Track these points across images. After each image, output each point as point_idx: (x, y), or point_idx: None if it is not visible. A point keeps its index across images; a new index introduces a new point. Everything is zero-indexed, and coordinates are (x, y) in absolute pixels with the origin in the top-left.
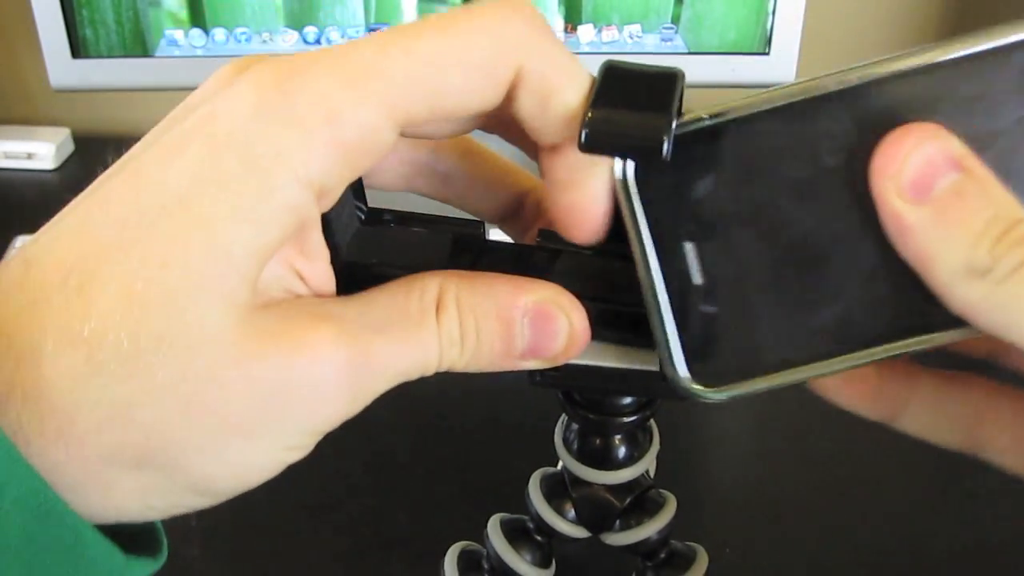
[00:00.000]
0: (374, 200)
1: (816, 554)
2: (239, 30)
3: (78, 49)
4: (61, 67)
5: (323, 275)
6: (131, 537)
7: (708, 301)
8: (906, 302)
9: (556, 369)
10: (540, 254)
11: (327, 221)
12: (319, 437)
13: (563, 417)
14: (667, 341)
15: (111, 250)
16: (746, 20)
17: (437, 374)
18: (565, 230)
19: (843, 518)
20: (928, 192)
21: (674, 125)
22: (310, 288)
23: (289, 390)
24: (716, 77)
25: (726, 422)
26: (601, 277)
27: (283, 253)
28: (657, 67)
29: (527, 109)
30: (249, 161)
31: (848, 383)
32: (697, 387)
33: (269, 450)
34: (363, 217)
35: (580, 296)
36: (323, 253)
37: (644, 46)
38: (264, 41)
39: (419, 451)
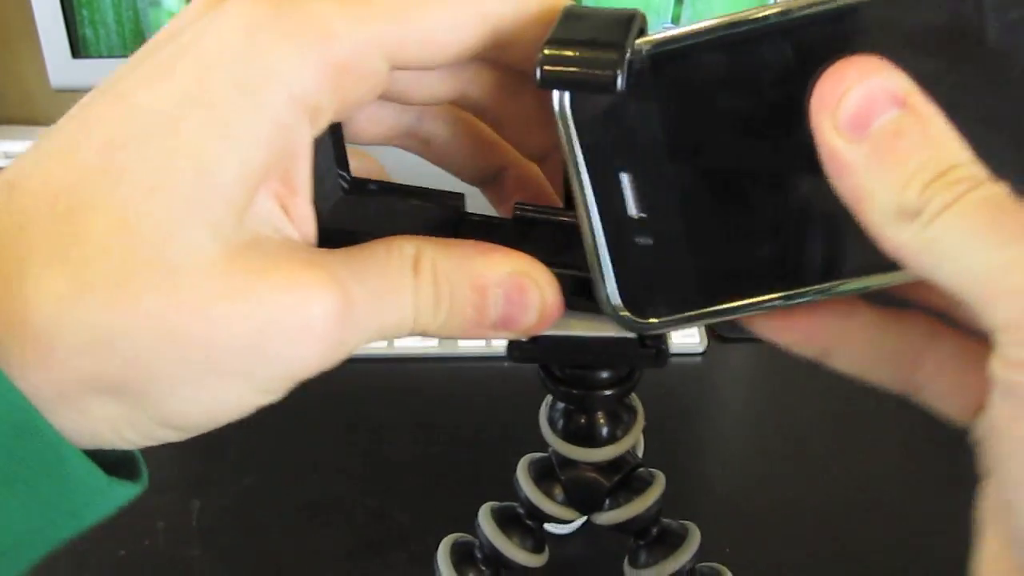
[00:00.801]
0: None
1: (816, 554)
2: None
3: (78, 49)
4: (61, 67)
5: (307, 215)
6: (112, 463)
7: (642, 233)
8: (842, 243)
9: (533, 341)
10: (517, 226)
11: (317, 195)
12: (294, 384)
13: (547, 398)
14: (601, 270)
15: (99, 175)
16: None
17: (437, 375)
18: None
19: (843, 518)
20: (866, 129)
21: (627, 59)
22: (296, 227)
23: (273, 330)
24: None
25: (727, 422)
26: (577, 248)
27: (271, 185)
28: (616, 9)
29: (523, 52)
30: (239, 79)
31: (778, 316)
32: (628, 315)
33: (244, 390)
34: (346, 186)
35: (556, 266)
36: (308, 189)
37: None
38: None
39: (419, 450)
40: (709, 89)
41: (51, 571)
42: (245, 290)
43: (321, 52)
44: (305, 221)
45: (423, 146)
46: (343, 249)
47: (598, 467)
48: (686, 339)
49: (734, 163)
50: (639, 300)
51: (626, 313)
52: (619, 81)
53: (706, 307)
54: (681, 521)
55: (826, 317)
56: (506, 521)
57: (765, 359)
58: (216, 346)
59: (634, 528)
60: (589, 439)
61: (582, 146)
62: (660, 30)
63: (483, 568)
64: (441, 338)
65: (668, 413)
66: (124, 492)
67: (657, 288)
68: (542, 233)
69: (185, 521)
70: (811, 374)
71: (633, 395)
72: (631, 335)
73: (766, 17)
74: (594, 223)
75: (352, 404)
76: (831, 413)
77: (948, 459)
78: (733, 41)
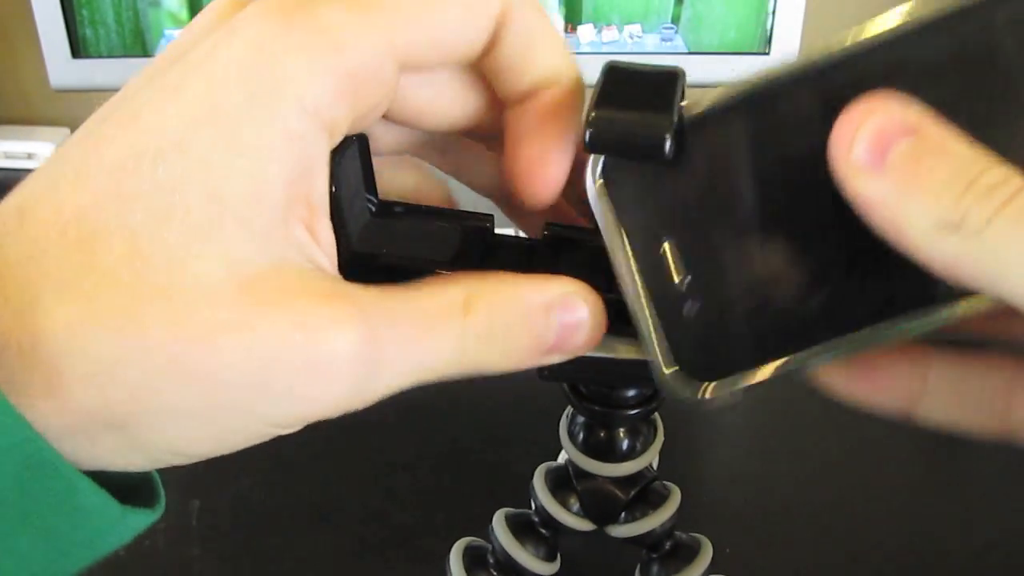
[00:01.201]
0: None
1: (817, 553)
2: None
3: (78, 49)
4: (61, 67)
5: (329, 237)
6: (127, 488)
7: (690, 298)
8: (894, 279)
9: (566, 361)
10: (547, 247)
11: (338, 210)
12: (310, 421)
13: (568, 410)
14: (652, 342)
15: (111, 201)
16: (746, 20)
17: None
18: (524, 185)
19: (844, 517)
20: (883, 162)
21: (675, 124)
22: (322, 253)
23: (286, 368)
24: (716, 77)
25: (727, 423)
26: (606, 268)
27: (296, 208)
28: (658, 67)
29: (510, 48)
30: (248, 92)
31: (854, 374)
32: (685, 385)
33: (251, 425)
34: (373, 209)
35: (591, 286)
36: (327, 208)
37: (644, 46)
38: None
39: (420, 449)
40: (742, 146)
41: None
42: (252, 322)
43: (333, 62)
44: (327, 240)
45: (440, 156)
46: (380, 287)
47: (615, 480)
48: None
49: (774, 214)
50: (695, 366)
51: (685, 385)
52: (667, 147)
53: (766, 363)
54: (693, 534)
55: (902, 367)
56: (520, 529)
57: None
58: (220, 380)
59: (648, 541)
60: (609, 453)
61: (620, 218)
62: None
63: (495, 573)
64: (491, 372)
65: (667, 413)
66: (139, 520)
67: (712, 352)
68: (575, 254)
69: (185, 521)
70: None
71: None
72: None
73: (789, 70)
74: (642, 295)
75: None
76: (831, 413)
77: (952, 461)
78: (762, 97)
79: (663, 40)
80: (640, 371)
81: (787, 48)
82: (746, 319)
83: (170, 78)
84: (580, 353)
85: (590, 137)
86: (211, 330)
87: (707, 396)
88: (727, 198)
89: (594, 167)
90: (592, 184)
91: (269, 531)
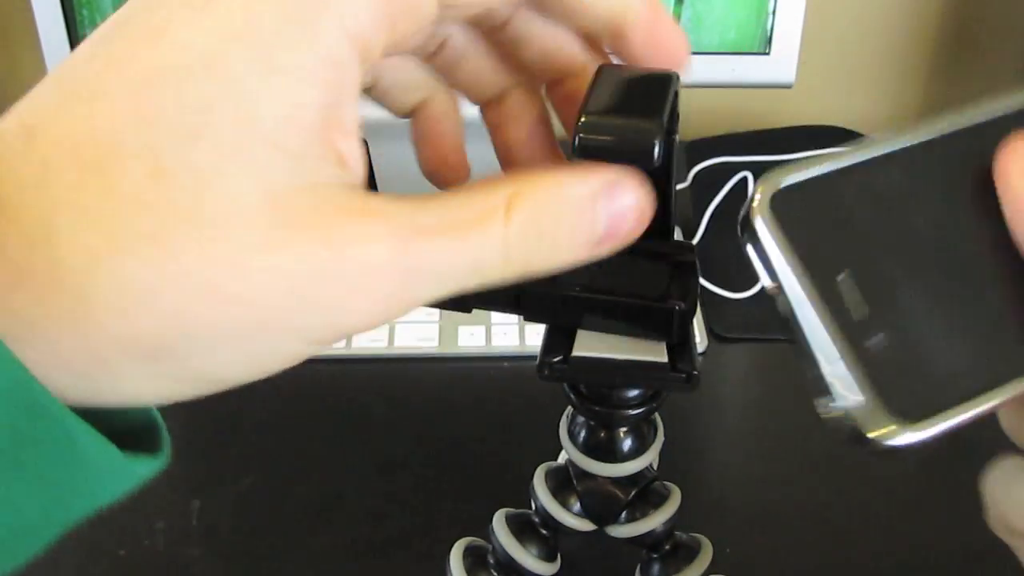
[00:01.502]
0: None
1: (817, 554)
2: None
3: None
4: None
5: (359, 156)
6: (129, 434)
7: (875, 336)
8: None
9: (565, 361)
10: None
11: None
12: (345, 336)
13: (568, 410)
14: (844, 380)
15: (132, 119)
16: (746, 20)
17: (438, 375)
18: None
19: (844, 518)
20: None
21: (665, 128)
22: (353, 172)
23: (318, 286)
24: (716, 77)
25: (727, 423)
26: (609, 269)
27: (326, 131)
28: (651, 71)
29: None
30: (288, 10)
31: None
32: (889, 427)
33: (288, 344)
34: None
35: (591, 289)
36: (358, 130)
37: None
38: None
39: (420, 450)
40: (909, 195)
41: (52, 571)
42: (286, 242)
43: None
44: (358, 159)
45: (438, 52)
46: (415, 196)
47: (616, 480)
48: None
49: (950, 250)
50: (902, 400)
51: (890, 426)
52: (656, 153)
53: (968, 399)
54: (693, 535)
55: None
56: (520, 529)
57: (765, 359)
58: (256, 302)
59: (648, 541)
60: (609, 454)
61: (795, 254)
62: (859, 143)
63: (495, 573)
64: (541, 272)
65: (667, 413)
66: (143, 469)
67: (907, 391)
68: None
69: (185, 521)
70: None
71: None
72: (663, 359)
73: (957, 124)
74: (826, 333)
75: (352, 404)
76: None
77: (954, 461)
78: (929, 147)
79: None
80: (638, 372)
81: (787, 48)
82: (942, 354)
83: None
84: (631, 239)
85: (579, 143)
86: (245, 252)
87: (910, 441)
88: (905, 235)
89: (762, 200)
90: (759, 218)
91: (269, 531)
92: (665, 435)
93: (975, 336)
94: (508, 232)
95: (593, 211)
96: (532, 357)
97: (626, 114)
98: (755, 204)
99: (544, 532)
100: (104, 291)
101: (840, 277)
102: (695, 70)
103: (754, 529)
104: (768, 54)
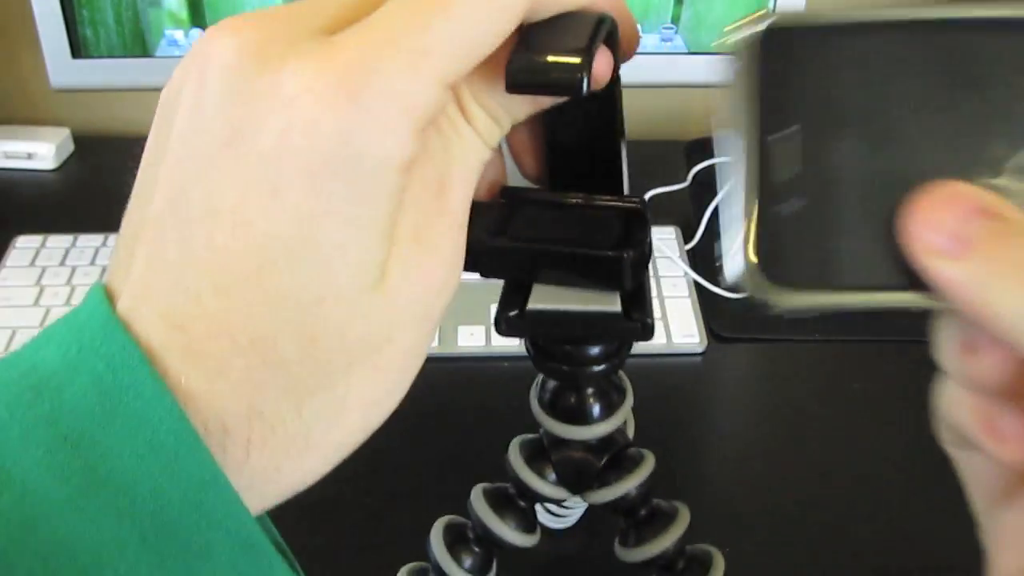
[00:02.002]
0: None
1: (817, 553)
2: None
3: (78, 49)
4: (61, 67)
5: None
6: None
7: (794, 194)
8: None
9: (520, 316)
10: (502, 209)
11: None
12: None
13: (538, 378)
14: (743, 229)
15: (259, 305)
16: None
17: (437, 375)
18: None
19: (843, 517)
20: (965, 245)
21: (590, 61)
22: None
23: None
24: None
25: (727, 423)
26: (561, 223)
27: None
28: (586, 14)
29: None
30: (348, 169)
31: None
32: (759, 284)
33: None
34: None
35: (542, 241)
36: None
37: (644, 46)
38: None
39: (420, 449)
40: (894, 68)
41: None
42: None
43: (405, 126)
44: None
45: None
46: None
47: (588, 446)
48: (686, 339)
49: (909, 142)
50: (775, 268)
51: (757, 278)
52: (584, 85)
53: (852, 292)
54: (672, 501)
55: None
56: (498, 502)
57: (765, 359)
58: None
59: (624, 507)
60: (579, 417)
61: (760, 87)
62: (860, 10)
63: (476, 549)
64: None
65: (668, 412)
66: None
67: (798, 261)
68: (527, 210)
69: None
70: (811, 374)
71: (622, 374)
72: (617, 309)
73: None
74: (749, 175)
75: None
76: (831, 412)
77: (948, 458)
78: (930, 28)
79: (663, 40)
80: (597, 325)
81: None
82: (843, 240)
83: (257, 173)
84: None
85: (510, 78)
86: (386, 344)
87: (777, 304)
88: (867, 113)
89: (749, 39)
90: (742, 44)
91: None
92: (665, 435)
93: (885, 235)
94: (478, 134)
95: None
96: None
97: (553, 50)
98: (738, 41)
99: (522, 504)
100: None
101: (788, 130)
102: (695, 70)
103: (754, 528)
104: None
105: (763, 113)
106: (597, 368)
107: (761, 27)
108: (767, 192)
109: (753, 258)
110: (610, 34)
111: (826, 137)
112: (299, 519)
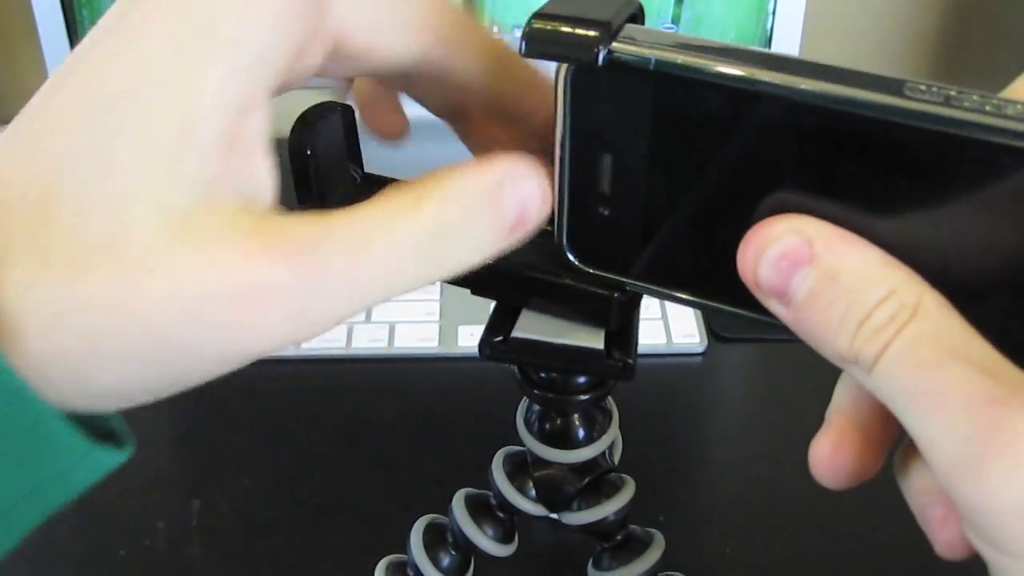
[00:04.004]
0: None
1: (817, 553)
2: None
3: None
4: None
5: (265, 170)
6: (97, 431)
7: (606, 205)
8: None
9: (504, 342)
10: None
11: (315, 174)
12: (259, 356)
13: (524, 399)
14: (562, 219)
15: (62, 160)
16: (746, 20)
17: (437, 375)
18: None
19: (844, 517)
20: (786, 296)
21: (611, 39)
22: (257, 185)
23: (216, 304)
24: None
25: (727, 423)
26: (552, 255)
27: (228, 144)
28: None
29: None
30: (180, 37)
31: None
32: (574, 260)
33: (195, 364)
34: (358, 180)
35: (537, 269)
36: (264, 141)
37: None
38: None
39: (420, 449)
40: (697, 111)
41: (52, 570)
42: (180, 263)
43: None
44: (264, 173)
45: (394, 81)
46: (329, 211)
47: (570, 468)
48: (686, 339)
49: (696, 179)
50: (586, 250)
51: (571, 257)
52: (600, 57)
53: (636, 280)
54: (647, 529)
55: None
56: (478, 509)
57: (765, 359)
58: (158, 321)
59: (600, 531)
60: (563, 441)
61: (573, 118)
62: (674, 42)
63: (453, 552)
64: (461, 266)
65: (668, 412)
66: (109, 458)
67: (603, 248)
68: (536, 236)
69: (185, 521)
70: (811, 374)
71: (608, 398)
72: (599, 347)
73: (767, 84)
74: (564, 183)
75: (352, 404)
76: None
77: None
78: (730, 87)
79: None
80: (578, 359)
81: (787, 48)
82: (642, 242)
83: (115, 33)
84: (538, 225)
85: (526, 43)
86: (144, 274)
87: (585, 277)
88: (667, 144)
89: (572, 68)
90: (559, 78)
91: (269, 531)
92: (665, 435)
93: (675, 243)
94: (416, 231)
95: (501, 197)
96: None
97: (575, 22)
98: (564, 69)
99: (501, 515)
100: (31, 313)
101: (603, 157)
102: None
103: (754, 529)
104: None
105: (576, 135)
106: (583, 397)
107: (575, 59)
108: (579, 196)
109: (565, 242)
110: (634, 16)
111: (631, 163)
112: (298, 515)
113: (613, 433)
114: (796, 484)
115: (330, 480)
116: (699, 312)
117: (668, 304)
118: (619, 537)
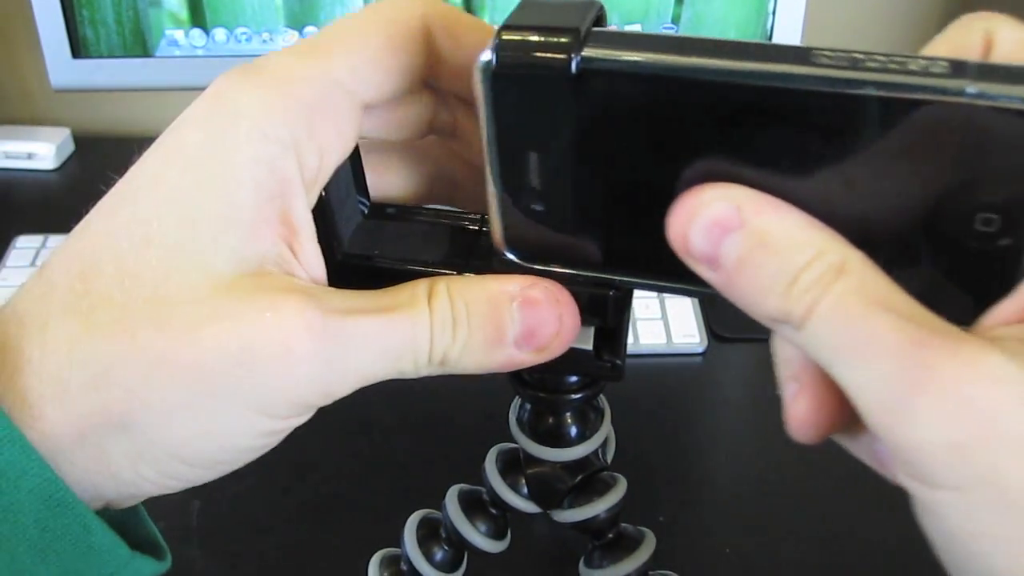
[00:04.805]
0: None
1: (816, 553)
2: (240, 30)
3: (78, 49)
4: (61, 67)
5: (312, 251)
6: (136, 543)
7: (536, 200)
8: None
9: None
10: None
11: (328, 212)
12: (296, 408)
13: (516, 399)
14: (496, 221)
15: (101, 237)
16: (746, 20)
17: (437, 375)
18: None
19: (844, 517)
20: (717, 261)
21: (580, 43)
22: (302, 266)
23: (255, 352)
24: None
25: (727, 423)
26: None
27: (274, 227)
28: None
29: (445, 47)
30: (209, 130)
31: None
32: (511, 256)
33: (242, 414)
34: (365, 211)
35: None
36: (309, 227)
37: None
38: (264, 41)
39: (420, 450)
40: (614, 100)
41: None
42: (227, 315)
43: (283, 93)
44: (311, 257)
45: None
46: (350, 291)
47: (563, 466)
48: (686, 339)
49: (622, 166)
50: (524, 246)
51: (507, 252)
52: (573, 66)
53: (577, 270)
54: (639, 527)
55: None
56: (471, 506)
57: (765, 359)
58: (204, 369)
59: (592, 529)
60: (555, 439)
61: (495, 118)
62: (596, 47)
63: (446, 547)
64: (465, 369)
65: (668, 412)
66: (148, 567)
67: (540, 242)
68: None
69: (185, 521)
70: None
71: (601, 396)
72: (588, 347)
73: (680, 67)
74: (496, 183)
75: (352, 404)
76: None
77: None
78: (644, 75)
79: None
80: (569, 360)
81: None
82: (573, 234)
83: (156, 142)
84: (552, 353)
85: (497, 58)
86: (191, 324)
87: (517, 263)
88: (590, 142)
89: (486, 69)
90: (477, 84)
91: (269, 531)
92: (665, 435)
93: (599, 230)
94: (432, 317)
95: (509, 308)
96: None
97: (543, 32)
98: (486, 69)
99: (494, 511)
100: (76, 368)
101: (530, 155)
102: None
103: (754, 529)
104: None
105: (501, 134)
106: (574, 397)
107: (493, 62)
108: (511, 194)
109: (502, 241)
110: (599, 19)
111: (557, 157)
112: (297, 515)
113: (605, 431)
114: (795, 484)
115: (330, 480)
116: (699, 312)
117: (668, 305)
118: (610, 535)
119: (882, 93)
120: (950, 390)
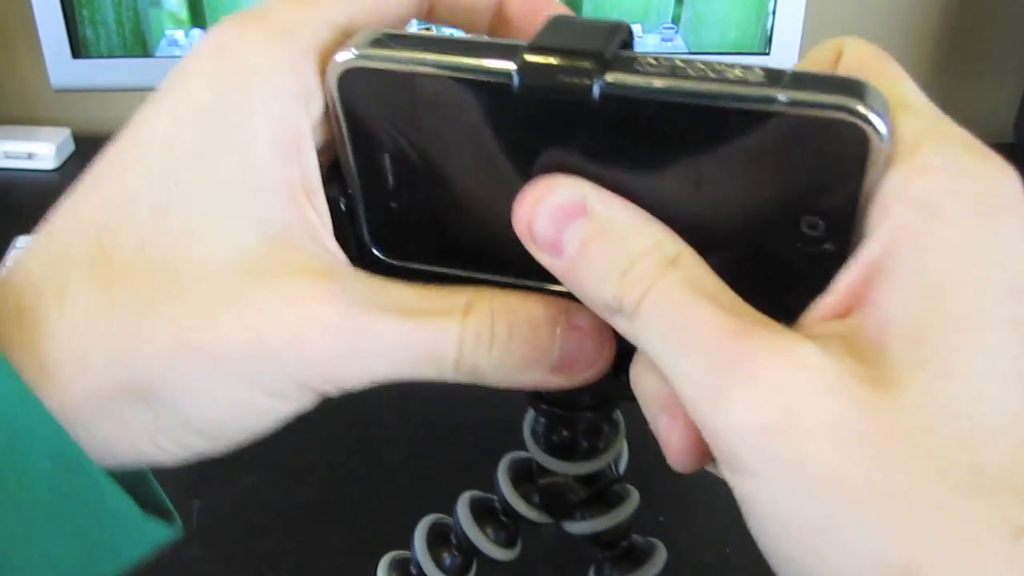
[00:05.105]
0: None
1: None
2: None
3: (78, 49)
4: (61, 67)
5: (324, 212)
6: (145, 506)
7: (395, 198)
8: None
9: None
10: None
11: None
12: (313, 392)
13: (530, 411)
14: (361, 218)
15: (118, 199)
16: (746, 20)
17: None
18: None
19: None
20: (559, 247)
21: (606, 73)
22: (317, 230)
23: (276, 335)
24: None
25: None
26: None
27: (289, 188)
28: (601, 20)
29: None
30: (219, 90)
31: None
32: (380, 255)
33: (259, 393)
34: None
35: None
36: (319, 186)
37: (644, 46)
38: None
39: (420, 450)
40: (452, 104)
41: None
42: (252, 297)
43: (289, 40)
44: (324, 219)
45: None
46: (386, 280)
47: (575, 477)
48: None
49: (466, 166)
50: (387, 243)
51: (375, 251)
52: (595, 90)
53: (436, 267)
54: (650, 539)
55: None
56: (482, 513)
57: None
58: (223, 349)
59: (603, 540)
60: (569, 453)
61: (348, 118)
62: (411, 50)
63: (456, 553)
64: (495, 382)
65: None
66: (159, 531)
67: (401, 240)
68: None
69: (185, 521)
70: None
71: (616, 411)
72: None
73: (500, 73)
74: (356, 183)
75: (352, 404)
76: None
77: None
78: (472, 80)
79: (663, 40)
80: (596, 380)
81: (787, 48)
82: (432, 231)
83: (156, 95)
84: (582, 381)
85: (521, 81)
86: (215, 305)
87: (390, 262)
88: (429, 141)
89: (335, 70)
90: (330, 91)
91: (269, 531)
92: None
93: (458, 228)
94: (463, 330)
95: (551, 333)
96: None
97: (567, 54)
98: (331, 73)
99: (504, 519)
100: (99, 343)
101: (383, 156)
102: None
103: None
104: (768, 54)
105: (354, 134)
106: (589, 413)
107: (342, 63)
108: (370, 192)
109: (368, 238)
110: (625, 42)
111: (405, 157)
112: (298, 516)
113: (620, 445)
114: None
115: (330, 480)
116: None
117: None
118: (622, 547)
119: (699, 102)
120: (760, 377)
